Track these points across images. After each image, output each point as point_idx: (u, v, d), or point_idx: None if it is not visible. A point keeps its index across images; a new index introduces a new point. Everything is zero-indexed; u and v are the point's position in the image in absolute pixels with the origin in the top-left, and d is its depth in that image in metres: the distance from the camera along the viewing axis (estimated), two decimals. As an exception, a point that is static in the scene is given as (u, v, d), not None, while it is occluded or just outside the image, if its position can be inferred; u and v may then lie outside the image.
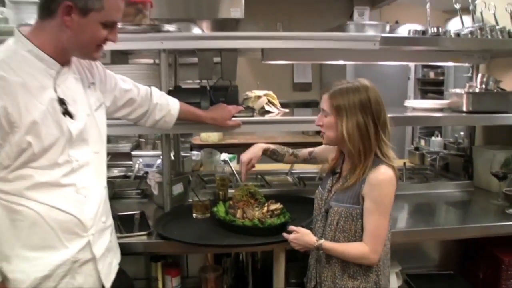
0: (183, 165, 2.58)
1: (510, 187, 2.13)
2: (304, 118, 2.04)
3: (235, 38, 1.92)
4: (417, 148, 3.30)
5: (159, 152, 3.52)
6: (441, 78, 4.23)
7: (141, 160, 2.76)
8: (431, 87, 4.58)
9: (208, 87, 2.14)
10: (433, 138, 3.28)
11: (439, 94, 4.16)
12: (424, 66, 4.68)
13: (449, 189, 2.56)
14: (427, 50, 2.29)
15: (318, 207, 1.67)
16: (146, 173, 2.47)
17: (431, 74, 4.54)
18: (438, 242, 2.45)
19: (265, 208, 1.80)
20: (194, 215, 1.98)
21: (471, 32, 2.19)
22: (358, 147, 1.48)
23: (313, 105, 4.70)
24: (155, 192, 2.11)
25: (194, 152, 2.92)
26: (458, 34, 2.21)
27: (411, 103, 2.71)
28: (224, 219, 1.80)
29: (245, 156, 1.94)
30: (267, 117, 2.01)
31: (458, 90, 2.40)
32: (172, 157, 2.43)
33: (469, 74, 3.15)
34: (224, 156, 2.92)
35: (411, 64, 4.81)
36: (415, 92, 4.58)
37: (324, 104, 1.55)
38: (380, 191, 1.47)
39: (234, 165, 2.68)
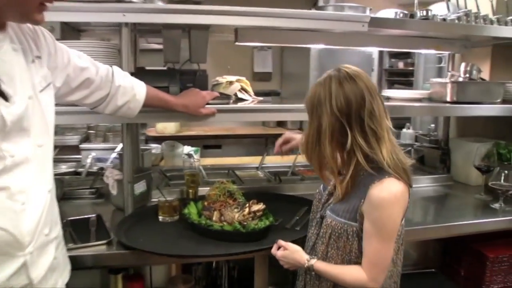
0: (143, 160, 2.28)
1: (492, 180, 2.04)
2: (293, 107, 1.81)
3: (207, 13, 1.65)
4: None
5: (112, 145, 3.20)
6: (411, 68, 4.16)
7: (94, 154, 2.42)
8: (399, 77, 4.51)
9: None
10: (404, 130, 3.18)
11: (407, 85, 4.09)
12: (392, 56, 4.61)
13: (426, 183, 2.44)
14: (412, 35, 2.14)
15: (315, 209, 1.46)
16: (101, 169, 2.16)
17: (400, 65, 4.47)
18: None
19: (247, 210, 1.56)
20: (160, 217, 1.71)
21: (459, 18, 2.06)
22: (317, 159, 1.29)
23: (273, 95, 4.51)
24: (114, 191, 1.81)
25: (153, 145, 2.62)
26: (444, 20, 2.07)
27: (388, 92, 2.57)
28: (199, 223, 1.55)
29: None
30: (245, 104, 1.77)
31: (440, 80, 2.28)
32: (130, 151, 2.14)
33: (443, 64, 3.09)
34: (188, 149, 2.65)
35: (375, 55, 4.73)
36: (381, 83, 4.50)
37: None
38: (382, 213, 1.22)
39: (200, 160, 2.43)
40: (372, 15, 1.81)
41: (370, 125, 1.23)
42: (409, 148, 2.84)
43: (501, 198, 2.03)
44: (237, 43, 1.99)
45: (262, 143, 4.73)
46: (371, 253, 1.24)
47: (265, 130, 4.84)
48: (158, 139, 3.91)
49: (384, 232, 1.23)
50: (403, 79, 4.37)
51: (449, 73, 2.28)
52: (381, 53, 4.69)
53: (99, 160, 2.57)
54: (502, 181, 1.99)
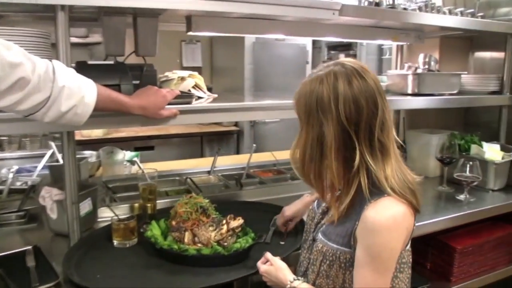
0: (79, 170, 1.93)
1: (457, 172, 2.02)
2: (273, 104, 1.60)
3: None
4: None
5: (30, 153, 2.77)
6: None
7: (16, 167, 2.01)
8: None
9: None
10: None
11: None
12: (330, 48, 4.58)
13: (385, 177, 2.39)
14: (371, 25, 2.05)
15: (308, 229, 1.27)
16: (33, 186, 1.78)
17: (341, 56, 4.45)
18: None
19: (224, 227, 1.33)
20: (115, 242, 1.42)
21: (419, 8, 2.00)
22: (317, 177, 1.08)
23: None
24: (53, 215, 1.47)
25: (88, 153, 2.26)
26: (405, 9, 2.00)
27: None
28: (171, 248, 1.29)
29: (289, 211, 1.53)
30: (214, 104, 1.52)
31: (399, 72, 2.23)
32: (61, 161, 1.80)
33: (388, 56, 3.08)
34: (129, 155, 2.33)
35: (309, 47, 4.68)
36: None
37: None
38: (376, 239, 1.00)
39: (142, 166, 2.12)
40: (343, 3, 1.66)
41: (380, 138, 1.03)
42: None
43: (466, 190, 2.01)
44: (190, 33, 1.73)
45: (198, 142, 4.48)
46: (361, 285, 1.04)
47: (200, 128, 4.58)
48: (84, 144, 3.49)
49: (379, 262, 1.01)
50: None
51: (407, 65, 2.23)
52: (315, 44, 4.66)
53: (19, 172, 2.16)
54: (467, 172, 1.97)
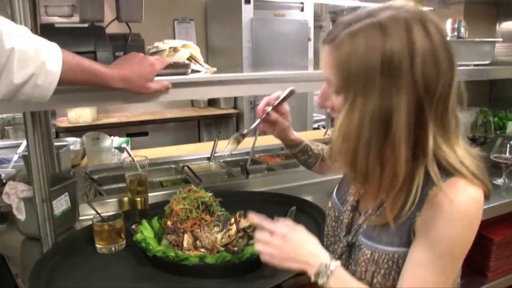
0: (59, 161, 1.66)
1: (494, 153, 1.76)
2: (283, 75, 1.32)
3: None
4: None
5: (15, 142, 2.50)
6: None
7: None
8: None
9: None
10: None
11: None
12: (335, 22, 4.27)
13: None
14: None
15: (331, 232, 1.02)
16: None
17: None
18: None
19: (233, 228, 1.06)
20: (99, 247, 1.16)
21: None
22: (369, 160, 0.78)
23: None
24: (21, 216, 1.20)
25: (69, 139, 1.98)
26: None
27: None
28: (166, 256, 1.02)
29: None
30: (215, 75, 1.24)
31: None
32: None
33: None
34: (117, 141, 2.06)
35: (311, 23, 4.38)
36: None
37: (325, 65, 0.81)
38: (451, 231, 0.77)
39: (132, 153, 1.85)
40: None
41: (454, 110, 0.79)
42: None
43: (504, 173, 1.76)
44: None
45: (194, 126, 4.20)
46: (412, 284, 0.79)
47: (196, 112, 4.30)
48: (72, 131, 3.21)
49: (447, 260, 0.78)
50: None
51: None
52: (317, 20, 4.37)
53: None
54: (507, 153, 1.72)
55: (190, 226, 1.07)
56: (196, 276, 1.01)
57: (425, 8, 2.12)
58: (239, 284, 0.99)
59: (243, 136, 1.23)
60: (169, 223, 1.10)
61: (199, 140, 4.14)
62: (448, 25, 1.91)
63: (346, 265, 0.94)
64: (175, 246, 1.07)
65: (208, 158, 2.11)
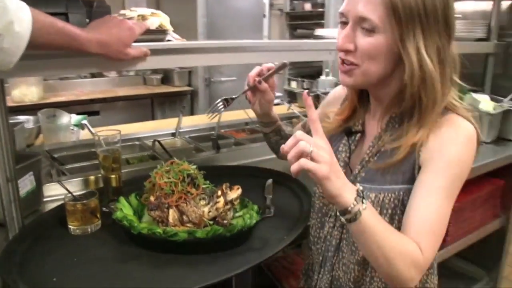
0: (14, 139, 1.52)
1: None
2: (275, 43, 1.27)
3: None
4: (307, 90, 2.86)
5: None
6: (320, 10, 3.83)
7: None
8: (304, 21, 4.16)
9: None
10: (322, 77, 2.88)
11: (311, 29, 3.78)
12: None
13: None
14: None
15: (323, 205, 1.03)
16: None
17: (307, 6, 4.11)
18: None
19: (221, 200, 1.03)
20: (72, 228, 1.07)
21: None
22: (434, 94, 0.83)
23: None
24: (-19, 198, 1.09)
25: (23, 117, 1.82)
26: None
27: (322, 31, 2.19)
28: (153, 233, 0.96)
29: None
30: (192, 42, 1.17)
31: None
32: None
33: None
34: (75, 118, 1.93)
35: (266, 0, 4.33)
36: (282, 28, 4.12)
37: (365, 3, 0.80)
38: (460, 155, 0.83)
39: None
40: None
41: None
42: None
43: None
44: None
45: (148, 105, 4.05)
46: (432, 216, 0.81)
47: (149, 90, 4.14)
48: (17, 110, 2.96)
49: (455, 185, 0.83)
50: (309, 22, 4.04)
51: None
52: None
53: None
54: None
55: (175, 200, 1.02)
56: (185, 252, 0.96)
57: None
58: (231, 258, 0.95)
59: (232, 99, 1.19)
60: (152, 198, 1.04)
61: (153, 118, 4.00)
62: None
63: (341, 226, 0.96)
64: (160, 222, 1.02)
65: (173, 134, 2.04)
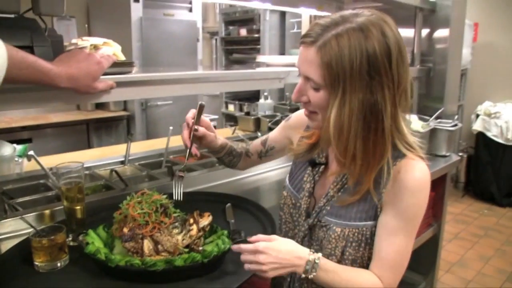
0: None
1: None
2: (239, 74, 1.33)
3: None
4: (247, 113, 2.96)
5: None
6: (256, 35, 3.95)
7: None
8: (238, 46, 4.27)
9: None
10: (261, 100, 2.99)
11: (248, 54, 3.91)
12: (228, 23, 4.32)
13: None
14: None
15: (291, 218, 1.09)
16: None
17: (243, 32, 4.21)
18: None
19: (194, 228, 1.05)
20: (38, 265, 1.04)
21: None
22: (357, 147, 0.88)
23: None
24: None
25: (-44, 149, 1.70)
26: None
27: (264, 58, 2.30)
28: (131, 264, 0.96)
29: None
30: (158, 74, 1.19)
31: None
32: None
33: (296, 30, 3.00)
34: (19, 148, 1.84)
35: (200, 24, 4.39)
36: (218, 53, 4.18)
37: (308, 65, 0.88)
38: (413, 201, 0.91)
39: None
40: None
41: (408, 93, 0.91)
42: (278, 118, 2.67)
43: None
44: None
45: (83, 131, 3.91)
46: (392, 254, 0.93)
47: (83, 115, 4.01)
48: None
49: (413, 225, 0.93)
50: (244, 47, 4.17)
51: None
52: (206, 19, 4.39)
53: None
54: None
55: (149, 230, 1.03)
56: (163, 281, 0.98)
57: (325, 13, 2.34)
58: (209, 284, 0.98)
59: (183, 170, 1.23)
60: (125, 229, 1.04)
61: (89, 145, 3.87)
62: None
63: (309, 246, 1.03)
64: (134, 253, 1.02)
65: (122, 162, 2.01)
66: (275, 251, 0.91)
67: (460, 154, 4.53)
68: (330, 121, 0.87)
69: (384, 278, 0.93)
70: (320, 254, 0.94)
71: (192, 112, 1.19)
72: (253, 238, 0.95)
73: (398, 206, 0.91)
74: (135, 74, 1.13)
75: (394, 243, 0.92)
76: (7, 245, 1.17)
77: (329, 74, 0.85)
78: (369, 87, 0.84)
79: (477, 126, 4.37)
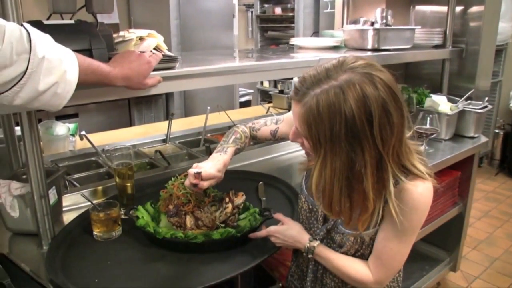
0: (21, 152, 1.63)
1: (417, 124, 2.08)
2: (277, 63, 1.45)
3: None
4: (281, 91, 3.06)
5: None
6: (291, 14, 4.00)
7: None
8: (273, 24, 4.33)
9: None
10: (295, 79, 3.08)
11: (283, 32, 3.96)
12: (263, 1, 4.37)
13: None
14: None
15: (307, 221, 1.20)
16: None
17: (277, 10, 4.27)
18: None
19: (229, 205, 1.21)
20: (97, 235, 1.22)
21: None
22: (342, 203, 0.93)
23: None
24: (15, 213, 1.22)
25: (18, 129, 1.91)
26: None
27: (297, 41, 2.38)
28: (175, 237, 1.13)
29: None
30: (198, 68, 1.32)
31: (358, 26, 2.18)
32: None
33: (330, 10, 3.03)
34: (71, 128, 2.04)
35: (235, 0, 4.45)
36: (253, 29, 4.26)
37: (296, 119, 0.95)
38: (415, 216, 0.98)
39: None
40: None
41: (407, 144, 0.97)
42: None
43: (425, 141, 2.09)
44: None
45: (125, 106, 4.13)
46: (386, 255, 1.04)
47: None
48: None
49: (409, 235, 1.02)
50: (279, 25, 4.22)
51: (362, 19, 2.20)
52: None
53: None
54: (428, 125, 2.04)
55: (190, 208, 1.19)
56: (203, 252, 1.14)
57: None
58: (241, 255, 1.14)
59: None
60: (170, 206, 1.21)
61: (130, 120, 4.09)
62: (378, 13, 2.16)
63: (328, 246, 1.14)
64: (178, 227, 1.19)
65: (164, 140, 2.18)
66: (282, 235, 1.14)
67: (496, 131, 4.48)
68: (313, 180, 0.93)
69: (376, 273, 1.06)
70: (317, 242, 1.10)
71: (190, 173, 1.19)
72: (276, 215, 1.18)
73: (398, 218, 0.96)
74: (178, 69, 1.26)
75: (389, 247, 1.03)
76: (69, 217, 1.36)
77: (310, 136, 0.90)
78: (350, 150, 0.87)
79: (515, 103, 4.29)
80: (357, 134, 0.85)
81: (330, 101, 0.85)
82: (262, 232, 1.16)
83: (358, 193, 0.93)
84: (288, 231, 1.14)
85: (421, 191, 0.97)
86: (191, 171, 1.18)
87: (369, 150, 0.87)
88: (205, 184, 1.18)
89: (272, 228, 1.15)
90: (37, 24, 1.18)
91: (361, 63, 0.90)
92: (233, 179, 1.62)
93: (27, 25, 0.87)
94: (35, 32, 0.87)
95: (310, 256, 1.12)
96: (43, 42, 0.87)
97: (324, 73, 0.89)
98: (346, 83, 0.85)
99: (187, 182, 1.19)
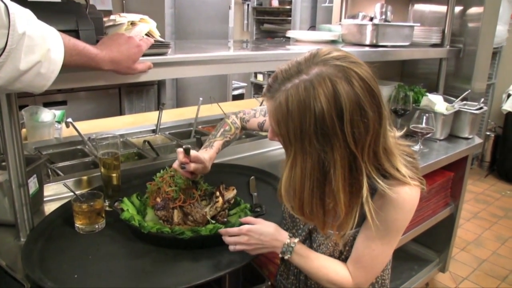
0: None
1: (413, 123, 2.04)
2: (273, 54, 1.39)
3: None
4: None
5: None
6: (288, 7, 3.94)
7: None
8: (271, 16, 4.26)
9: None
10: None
11: (280, 25, 3.90)
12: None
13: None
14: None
15: (291, 221, 1.14)
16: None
17: (274, 2, 4.20)
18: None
19: (220, 200, 1.15)
20: (79, 228, 1.16)
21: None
22: (314, 205, 0.88)
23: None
24: (-8, 201, 1.15)
25: None
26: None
27: (293, 34, 2.32)
28: (161, 232, 1.07)
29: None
30: (190, 55, 1.26)
31: (357, 21, 2.13)
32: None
33: (328, 4, 2.97)
34: (57, 114, 1.96)
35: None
36: (249, 22, 4.19)
37: (270, 116, 0.89)
38: (400, 216, 0.93)
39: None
40: None
41: (384, 145, 0.88)
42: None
43: (420, 141, 2.06)
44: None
45: (115, 94, 4.04)
46: (367, 257, 0.99)
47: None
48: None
49: (392, 236, 0.97)
50: (275, 18, 4.15)
51: (361, 14, 2.15)
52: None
53: None
54: (423, 124, 2.01)
55: (179, 202, 1.13)
56: (190, 248, 1.09)
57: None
58: (229, 252, 1.08)
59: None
60: (158, 199, 1.15)
61: (120, 109, 4.01)
62: (377, 8, 2.12)
63: (310, 247, 1.08)
64: (165, 221, 1.13)
65: (153, 131, 2.11)
66: (257, 233, 1.01)
67: (488, 133, 4.48)
68: (282, 180, 0.88)
69: (356, 276, 1.01)
70: (297, 239, 1.02)
71: (179, 150, 1.17)
72: (244, 219, 1.06)
73: (381, 217, 0.91)
74: (170, 55, 1.19)
75: (371, 247, 0.97)
76: (51, 207, 1.30)
77: (280, 134, 0.85)
78: (320, 149, 0.82)
79: (507, 106, 4.29)
80: (326, 132, 0.80)
81: (299, 96, 0.80)
82: (234, 229, 1.03)
83: (330, 197, 0.88)
84: (264, 228, 1.02)
85: (403, 196, 0.91)
86: (180, 149, 1.14)
87: (339, 149, 0.82)
88: (192, 166, 1.13)
89: (245, 227, 1.02)
90: (19, 2, 1.11)
91: (335, 55, 0.83)
92: (223, 172, 1.58)
93: (7, 0, 0.81)
94: (14, 6, 0.80)
95: (287, 256, 1.01)
96: (24, 17, 0.80)
97: (296, 67, 0.84)
98: (317, 77, 0.80)
99: (175, 164, 1.15)
